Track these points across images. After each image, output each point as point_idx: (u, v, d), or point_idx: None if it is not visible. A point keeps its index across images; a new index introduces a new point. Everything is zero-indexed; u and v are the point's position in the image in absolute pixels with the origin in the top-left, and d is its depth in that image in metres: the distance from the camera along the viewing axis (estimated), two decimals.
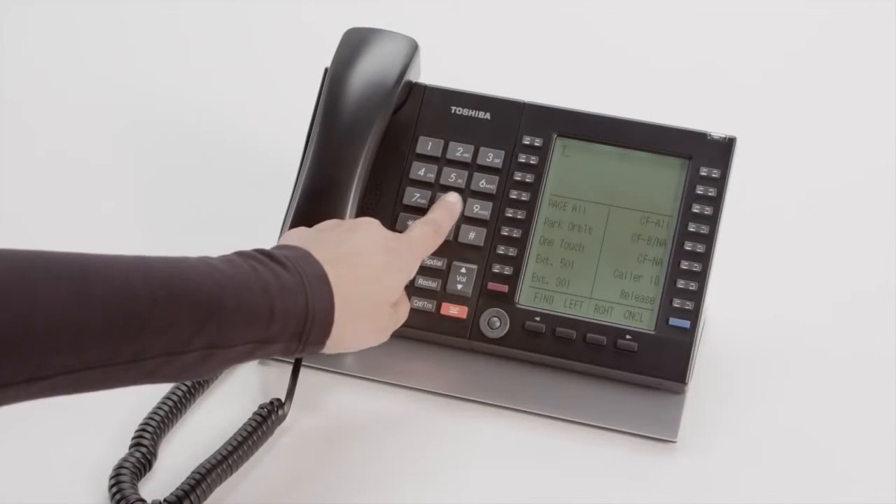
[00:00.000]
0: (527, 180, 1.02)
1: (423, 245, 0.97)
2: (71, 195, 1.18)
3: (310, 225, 0.95)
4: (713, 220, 0.99)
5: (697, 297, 0.98)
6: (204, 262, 0.83)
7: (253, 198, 1.17)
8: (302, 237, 0.92)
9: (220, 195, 1.18)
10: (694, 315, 0.97)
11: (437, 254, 1.00)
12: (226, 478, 0.92)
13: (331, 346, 0.87)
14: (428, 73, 1.06)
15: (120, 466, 0.91)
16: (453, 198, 1.00)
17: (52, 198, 1.17)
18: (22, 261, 0.75)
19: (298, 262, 0.86)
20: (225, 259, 0.84)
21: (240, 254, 0.85)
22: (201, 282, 0.80)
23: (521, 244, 1.00)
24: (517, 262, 1.00)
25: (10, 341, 0.72)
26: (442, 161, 1.03)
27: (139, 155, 1.22)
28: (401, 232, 0.97)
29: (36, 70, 1.31)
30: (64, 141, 1.23)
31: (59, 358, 0.74)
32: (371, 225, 0.95)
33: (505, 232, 1.01)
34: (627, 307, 0.99)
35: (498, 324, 0.99)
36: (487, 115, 1.04)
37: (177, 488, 0.90)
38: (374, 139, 1.00)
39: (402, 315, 0.96)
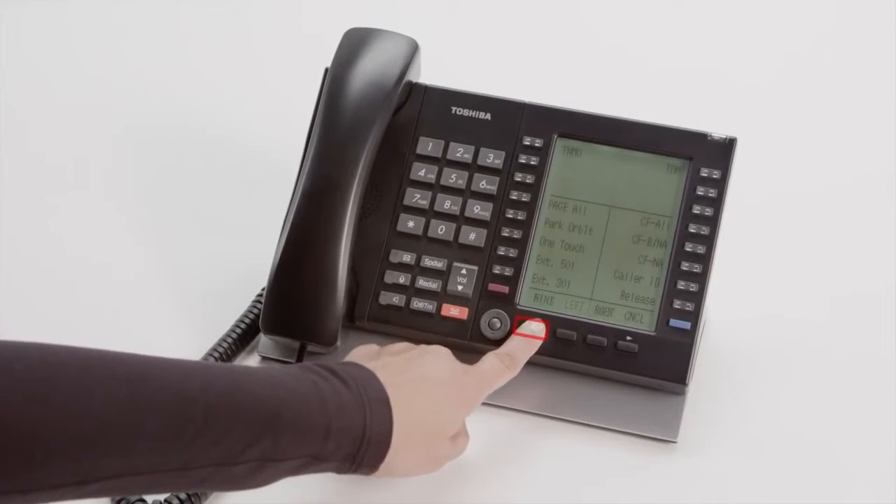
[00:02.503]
0: (527, 181, 1.02)
1: (493, 380, 0.94)
2: (71, 196, 1.18)
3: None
4: (713, 221, 0.99)
5: (698, 298, 0.98)
6: (265, 372, 0.81)
7: (253, 199, 1.17)
8: (368, 356, 0.91)
9: (220, 196, 1.18)
10: (694, 316, 0.97)
11: (438, 255, 1.01)
12: None
13: (383, 471, 0.85)
14: (428, 73, 1.06)
15: None
16: (536, 327, 0.98)
17: (51, 199, 1.17)
18: (84, 360, 0.74)
19: (361, 383, 0.84)
20: (286, 371, 0.83)
21: (302, 367, 0.84)
22: (260, 394, 0.79)
23: (521, 245, 1.00)
24: (517, 263, 1.00)
25: (61, 446, 0.71)
26: (442, 162, 1.03)
27: (139, 156, 1.22)
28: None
29: (34, 71, 1.31)
30: (64, 143, 1.23)
31: (108, 463, 0.73)
32: (440, 353, 0.93)
33: (505, 233, 1.01)
34: (628, 308, 0.99)
35: (498, 325, 0.99)
36: (487, 116, 1.04)
37: None
38: (375, 140, 1.00)
39: (461, 448, 0.92)
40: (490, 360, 0.94)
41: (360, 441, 0.82)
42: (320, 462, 0.82)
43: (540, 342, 0.97)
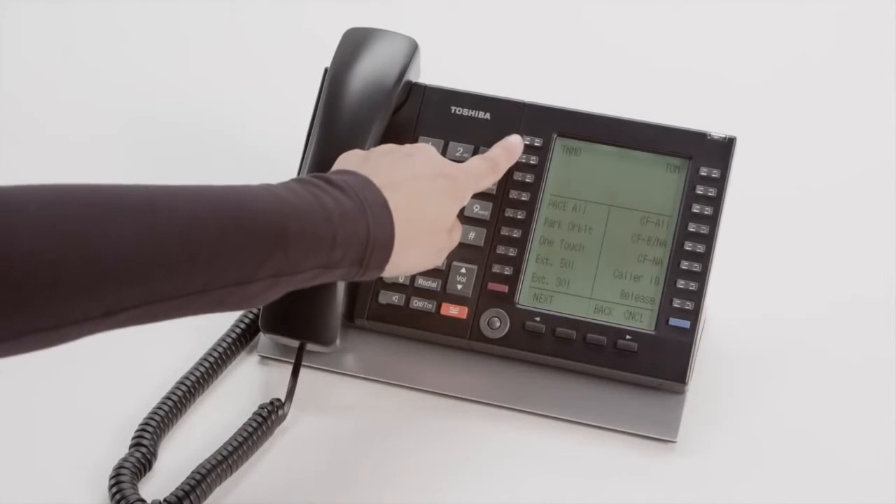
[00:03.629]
0: (527, 180, 1.02)
1: (478, 177, 0.97)
2: None
3: None
4: (713, 220, 0.99)
5: (697, 297, 0.98)
6: (267, 190, 0.83)
7: None
8: (358, 162, 0.92)
9: None
10: (694, 315, 0.97)
11: None
12: (226, 478, 0.92)
13: (390, 270, 0.89)
14: (428, 73, 1.06)
15: (120, 466, 0.91)
16: (515, 139, 1.01)
17: None
18: (90, 197, 0.76)
19: (359, 189, 0.87)
20: (286, 187, 0.85)
21: (299, 181, 0.86)
22: (267, 211, 0.81)
23: (521, 244, 1.00)
24: (517, 263, 1.00)
25: (83, 279, 0.73)
26: None
27: (139, 155, 1.22)
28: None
29: (34, 70, 1.31)
30: (63, 141, 1.23)
31: (130, 292, 0.75)
32: (427, 150, 0.96)
33: (505, 232, 1.01)
34: (627, 307, 0.99)
35: (498, 324, 0.99)
36: (487, 115, 1.04)
37: (177, 488, 0.90)
38: (374, 139, 1.00)
39: (456, 238, 0.97)
40: (475, 161, 0.98)
41: (365, 246, 0.85)
42: (330, 270, 0.84)
43: (519, 152, 1.00)
